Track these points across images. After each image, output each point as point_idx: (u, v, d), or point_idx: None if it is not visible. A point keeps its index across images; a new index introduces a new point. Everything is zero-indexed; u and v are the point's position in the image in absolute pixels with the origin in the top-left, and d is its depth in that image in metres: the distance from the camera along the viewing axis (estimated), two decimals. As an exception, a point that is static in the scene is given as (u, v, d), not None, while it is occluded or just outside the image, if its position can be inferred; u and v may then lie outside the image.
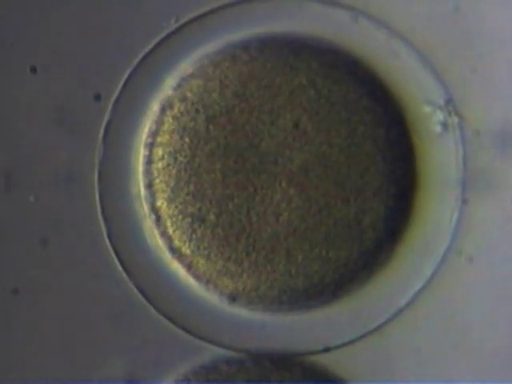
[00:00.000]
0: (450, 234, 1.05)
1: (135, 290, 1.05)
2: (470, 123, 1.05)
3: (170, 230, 1.06)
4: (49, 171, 1.06)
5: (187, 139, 1.05)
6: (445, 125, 1.04)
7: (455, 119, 1.04)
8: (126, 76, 1.05)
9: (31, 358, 1.07)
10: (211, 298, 1.06)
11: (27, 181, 1.06)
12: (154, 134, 1.06)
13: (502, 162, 1.06)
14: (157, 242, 1.06)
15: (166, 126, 1.06)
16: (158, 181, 1.06)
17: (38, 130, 1.06)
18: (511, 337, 1.06)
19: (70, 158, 1.06)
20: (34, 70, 1.06)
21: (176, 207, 1.05)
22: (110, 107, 1.05)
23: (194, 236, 1.05)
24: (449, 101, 1.04)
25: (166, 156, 1.05)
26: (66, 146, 1.06)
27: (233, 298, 1.06)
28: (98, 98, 1.06)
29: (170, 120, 1.06)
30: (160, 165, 1.06)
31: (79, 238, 1.06)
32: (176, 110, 1.06)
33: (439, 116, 1.04)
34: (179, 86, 1.06)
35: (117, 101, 1.05)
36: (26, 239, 1.06)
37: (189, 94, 1.06)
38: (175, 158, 1.05)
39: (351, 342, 1.05)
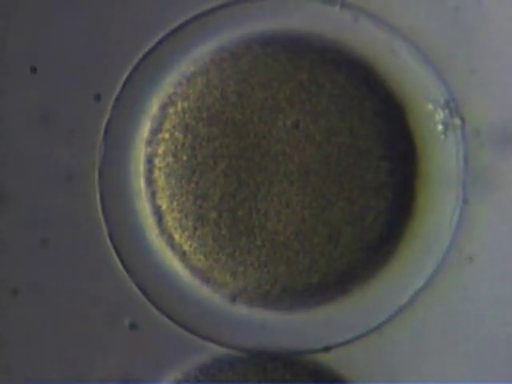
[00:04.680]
0: (451, 233, 1.05)
1: (136, 289, 1.05)
2: (470, 123, 1.05)
3: (171, 229, 1.06)
4: (49, 171, 1.06)
5: (188, 137, 1.05)
6: (446, 124, 1.04)
7: (457, 119, 1.04)
8: (126, 76, 1.05)
9: (31, 357, 1.07)
10: (212, 296, 1.06)
11: (27, 181, 1.06)
12: (154, 132, 1.06)
13: (502, 161, 1.06)
14: (158, 240, 1.06)
15: (167, 125, 1.06)
16: (158, 179, 1.06)
17: (37, 129, 1.06)
18: (511, 337, 1.06)
19: (70, 158, 1.06)
20: (33, 70, 1.06)
21: (177, 206, 1.05)
22: (110, 106, 1.05)
23: (195, 234, 1.05)
24: (449, 100, 1.04)
25: (167, 154, 1.05)
26: (66, 146, 1.06)
27: (234, 297, 1.06)
28: (97, 97, 1.06)
29: (171, 118, 1.06)
30: (161, 163, 1.06)
31: (79, 237, 1.06)
32: (177, 109, 1.06)
33: (441, 115, 1.04)
34: (180, 84, 1.06)
35: (117, 100, 1.05)
36: (26, 239, 1.06)
37: (190, 93, 1.06)
38: (176, 157, 1.05)
39: (351, 341, 1.05)
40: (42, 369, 1.07)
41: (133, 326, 1.06)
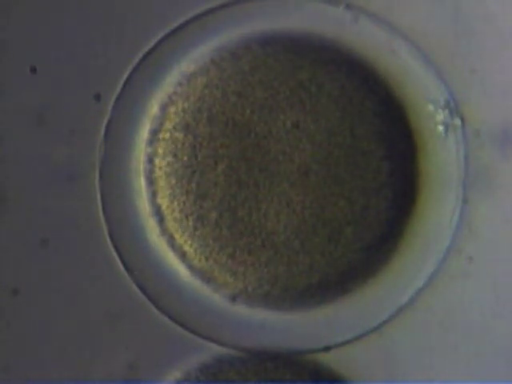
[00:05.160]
0: (451, 233, 1.05)
1: (136, 289, 1.05)
2: (470, 123, 1.05)
3: (172, 229, 1.06)
4: (49, 171, 1.06)
5: (189, 137, 1.05)
6: (447, 124, 1.04)
7: (457, 119, 1.04)
8: (126, 75, 1.05)
9: (31, 357, 1.07)
10: (212, 296, 1.06)
11: (27, 181, 1.06)
12: (155, 132, 1.06)
13: (502, 161, 1.06)
14: (158, 240, 1.06)
15: (167, 125, 1.06)
16: (159, 179, 1.06)
17: (38, 129, 1.06)
18: (511, 337, 1.06)
19: (70, 158, 1.06)
20: (33, 70, 1.06)
21: (178, 206, 1.05)
22: (110, 106, 1.05)
23: (195, 235, 1.05)
24: (449, 100, 1.04)
25: (167, 154, 1.05)
26: (66, 146, 1.06)
27: (234, 297, 1.06)
28: (97, 97, 1.06)
29: (172, 118, 1.06)
30: (161, 163, 1.06)
31: (80, 237, 1.06)
32: (177, 109, 1.06)
33: (441, 116, 1.04)
34: (180, 84, 1.06)
35: (117, 100, 1.05)
36: (26, 239, 1.06)
37: (190, 92, 1.06)
38: (177, 157, 1.05)
39: (351, 341, 1.05)
40: (41, 369, 1.07)
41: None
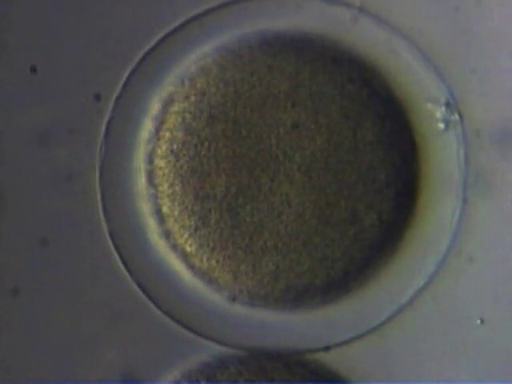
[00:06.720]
0: (451, 233, 1.05)
1: (137, 289, 1.05)
2: (470, 123, 1.05)
3: (173, 229, 1.06)
4: (49, 171, 1.06)
5: (189, 137, 1.05)
6: (447, 123, 1.04)
7: (457, 118, 1.04)
8: (126, 75, 1.05)
9: (31, 357, 1.07)
10: (213, 296, 1.06)
11: (27, 181, 1.06)
12: (155, 132, 1.06)
13: (502, 161, 1.06)
14: (159, 240, 1.06)
15: (167, 125, 1.06)
16: (160, 179, 1.06)
17: (37, 129, 1.06)
18: (511, 337, 1.06)
19: (70, 158, 1.06)
20: (33, 70, 1.06)
21: (178, 206, 1.05)
22: (110, 106, 1.05)
23: (196, 234, 1.05)
24: (449, 99, 1.04)
25: (168, 154, 1.05)
26: (66, 146, 1.06)
27: (234, 297, 1.06)
28: (97, 97, 1.06)
29: (172, 118, 1.06)
30: (162, 163, 1.06)
31: (80, 237, 1.06)
32: (178, 109, 1.06)
33: (441, 114, 1.04)
34: (181, 84, 1.06)
35: (117, 100, 1.05)
36: (26, 239, 1.06)
37: (190, 92, 1.06)
38: (177, 157, 1.05)
39: (352, 340, 1.05)
40: (42, 369, 1.07)
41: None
